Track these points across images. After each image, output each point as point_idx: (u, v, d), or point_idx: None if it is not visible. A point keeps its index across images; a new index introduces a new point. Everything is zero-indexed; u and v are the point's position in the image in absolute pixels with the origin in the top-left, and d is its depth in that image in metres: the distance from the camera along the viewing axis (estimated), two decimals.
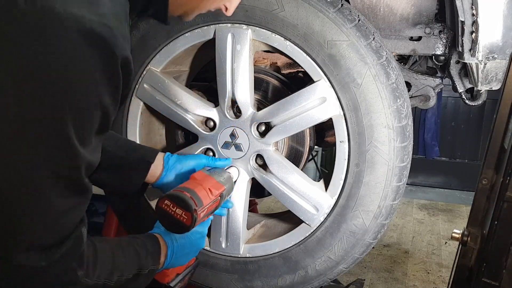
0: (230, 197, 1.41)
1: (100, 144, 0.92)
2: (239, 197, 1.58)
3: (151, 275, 1.14)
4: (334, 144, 1.49)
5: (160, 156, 1.36)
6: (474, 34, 1.40)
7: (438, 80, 1.86)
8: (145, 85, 1.61)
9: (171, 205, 1.13)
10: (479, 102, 1.85)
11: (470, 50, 1.44)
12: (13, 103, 0.74)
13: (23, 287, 0.85)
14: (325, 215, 1.51)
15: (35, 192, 0.80)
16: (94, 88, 0.80)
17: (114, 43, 0.79)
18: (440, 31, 1.68)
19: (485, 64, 1.45)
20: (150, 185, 1.37)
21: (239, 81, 1.50)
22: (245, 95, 1.51)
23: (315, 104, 1.45)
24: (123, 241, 1.10)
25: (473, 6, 1.36)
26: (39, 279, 0.85)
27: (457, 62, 1.73)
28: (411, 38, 1.71)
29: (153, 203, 1.68)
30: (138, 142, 1.66)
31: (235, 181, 1.47)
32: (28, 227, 0.81)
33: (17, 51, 0.73)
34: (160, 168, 1.35)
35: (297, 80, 1.85)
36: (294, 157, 1.66)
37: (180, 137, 1.80)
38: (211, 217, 1.32)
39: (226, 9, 1.10)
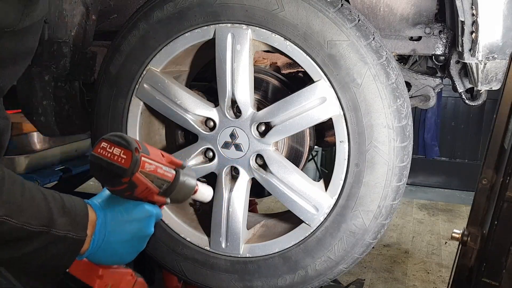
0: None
1: (21, 21, 0.77)
2: (239, 197, 1.58)
3: (72, 247, 0.83)
4: (334, 144, 1.49)
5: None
6: (474, 34, 1.40)
7: (438, 80, 1.86)
8: (145, 85, 1.61)
9: (108, 146, 0.88)
10: (479, 102, 1.85)
11: (470, 50, 1.44)
12: None
13: None
14: (325, 215, 1.51)
15: None
16: None
17: None
18: (440, 31, 1.68)
19: (485, 64, 1.45)
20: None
21: (239, 81, 1.50)
22: (245, 95, 1.51)
23: (315, 104, 1.45)
24: (30, 183, 0.82)
25: (473, 6, 1.36)
26: None
27: (457, 62, 1.73)
28: (411, 38, 1.71)
29: None
30: None
31: (205, 198, 1.14)
32: None
33: None
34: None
35: (297, 80, 1.85)
36: (294, 157, 1.66)
37: (180, 137, 1.80)
38: (168, 200, 1.01)
39: None
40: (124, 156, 0.87)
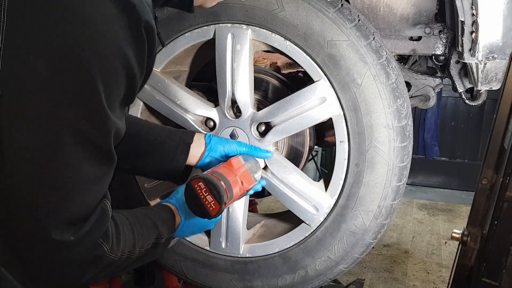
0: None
1: (124, 115, 0.92)
2: None
3: (168, 243, 1.14)
4: (334, 144, 1.49)
5: (199, 137, 1.37)
6: (474, 34, 1.40)
7: (438, 80, 1.86)
8: (145, 85, 1.61)
9: (204, 189, 1.11)
10: (479, 102, 1.85)
11: (470, 50, 1.44)
12: (44, 68, 0.74)
13: (50, 262, 0.83)
14: (325, 215, 1.51)
15: (65, 160, 0.78)
16: (120, 47, 0.80)
17: (139, 7, 0.82)
18: (440, 31, 1.68)
19: (485, 64, 1.45)
20: (193, 166, 1.38)
21: (239, 81, 1.50)
22: (245, 95, 1.51)
23: (315, 104, 1.45)
24: (139, 213, 1.08)
25: (473, 6, 1.36)
26: (69, 254, 0.83)
27: (457, 62, 1.72)
28: (411, 38, 1.71)
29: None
30: None
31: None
32: (59, 200, 0.80)
33: (44, 13, 0.75)
34: (202, 149, 1.36)
35: (297, 80, 1.85)
36: (294, 157, 1.66)
37: None
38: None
39: None
40: (214, 206, 1.11)
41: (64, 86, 0.76)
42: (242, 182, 1.19)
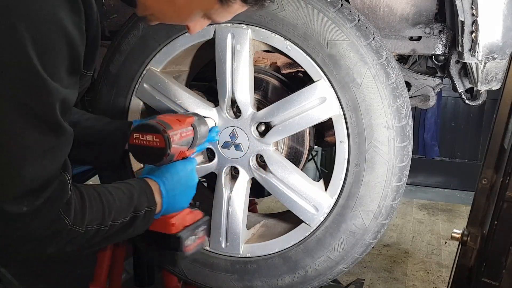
0: (211, 133, 1.41)
1: (76, 86, 0.89)
2: (239, 197, 1.58)
3: (150, 217, 1.09)
4: (334, 144, 1.49)
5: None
6: (474, 34, 1.40)
7: (438, 80, 1.86)
8: (145, 85, 1.61)
9: (140, 135, 1.12)
10: (479, 102, 1.85)
11: (470, 50, 1.44)
12: None
13: (8, 235, 0.82)
14: (325, 215, 1.51)
15: (9, 133, 0.77)
16: (54, 12, 0.79)
17: None
18: (440, 31, 1.68)
19: (485, 64, 1.45)
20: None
21: (239, 81, 1.50)
22: (245, 95, 1.51)
23: (315, 104, 1.45)
24: (109, 186, 1.04)
25: (473, 6, 1.36)
26: (23, 226, 0.82)
27: (457, 62, 1.72)
28: (411, 38, 1.70)
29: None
30: None
31: (212, 128, 1.46)
32: (6, 171, 0.79)
33: None
34: None
35: (297, 80, 1.85)
36: (294, 157, 1.66)
37: None
38: (197, 149, 1.30)
39: (189, 28, 1.07)
40: (157, 140, 1.11)
41: None
42: (176, 119, 1.19)
